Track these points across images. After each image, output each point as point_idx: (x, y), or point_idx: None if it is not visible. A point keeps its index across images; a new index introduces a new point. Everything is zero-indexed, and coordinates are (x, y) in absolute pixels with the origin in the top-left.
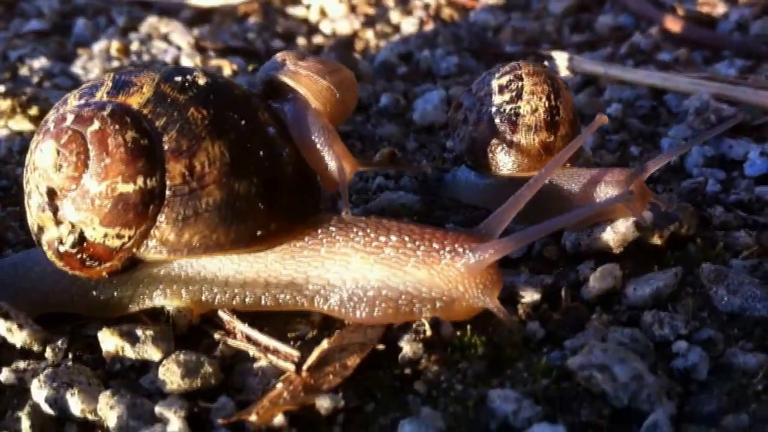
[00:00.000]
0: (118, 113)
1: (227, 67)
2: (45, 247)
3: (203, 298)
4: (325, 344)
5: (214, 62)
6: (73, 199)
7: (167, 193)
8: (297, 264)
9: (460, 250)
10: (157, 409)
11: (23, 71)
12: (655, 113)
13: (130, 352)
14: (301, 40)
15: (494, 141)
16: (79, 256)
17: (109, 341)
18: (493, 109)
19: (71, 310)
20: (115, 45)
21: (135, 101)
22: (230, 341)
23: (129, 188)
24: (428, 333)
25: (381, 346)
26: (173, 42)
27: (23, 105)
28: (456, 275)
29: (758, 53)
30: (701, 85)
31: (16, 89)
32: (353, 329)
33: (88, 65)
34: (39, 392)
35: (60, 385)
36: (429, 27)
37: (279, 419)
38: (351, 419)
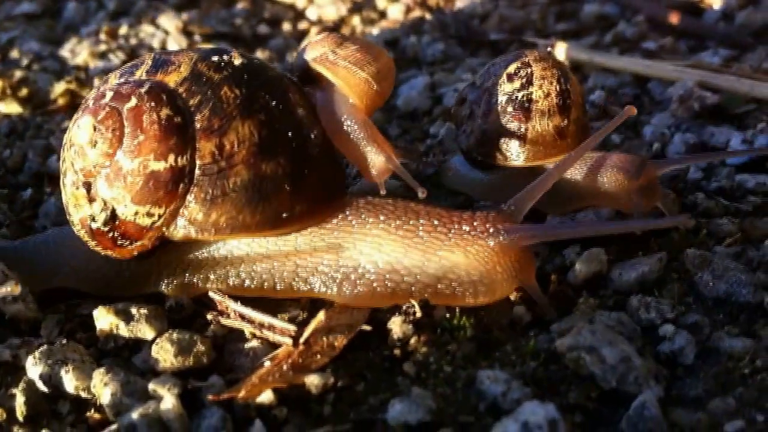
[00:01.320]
0: (155, 90)
1: None
2: (78, 226)
3: (230, 282)
4: (321, 316)
5: (201, 46)
6: (106, 175)
7: (197, 172)
8: (327, 246)
9: (492, 229)
10: (151, 387)
11: (13, 54)
12: (638, 101)
13: (124, 331)
14: (287, 26)
15: (507, 130)
16: (110, 234)
17: (104, 319)
18: (504, 98)
19: (96, 289)
20: (104, 29)
21: (172, 79)
22: (223, 320)
23: (160, 166)
24: (418, 314)
25: (368, 328)
26: (161, 26)
27: (13, 87)
28: (491, 255)
29: (742, 43)
30: (685, 73)
31: (5, 71)
32: (340, 310)
33: (77, 48)
34: (33, 369)
35: (54, 362)
36: (415, 13)
37: (269, 397)
38: (341, 398)
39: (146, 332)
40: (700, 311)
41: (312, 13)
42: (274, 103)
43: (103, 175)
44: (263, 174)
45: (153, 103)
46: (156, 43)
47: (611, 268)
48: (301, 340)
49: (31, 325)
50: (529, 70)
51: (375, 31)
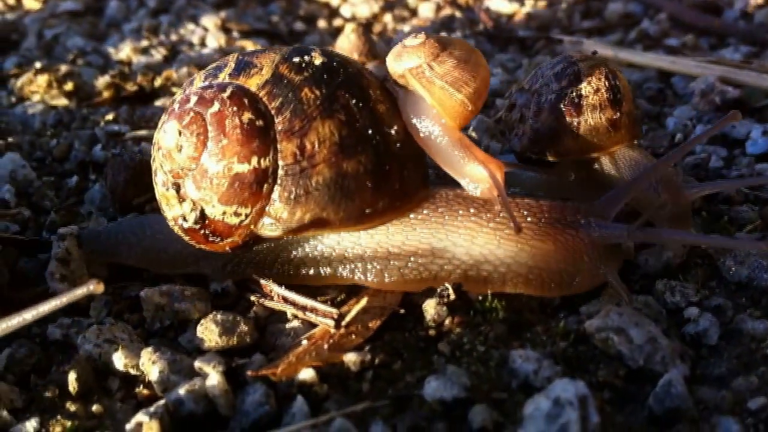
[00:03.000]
0: (237, 95)
1: (251, 48)
2: (171, 223)
3: (322, 272)
4: (364, 301)
5: (239, 43)
6: (193, 177)
7: (280, 172)
8: (420, 235)
9: (583, 221)
10: (197, 364)
11: (58, 49)
12: (662, 95)
13: (170, 312)
14: (322, 23)
15: (559, 126)
16: (202, 231)
17: (150, 301)
18: (553, 96)
19: (191, 271)
20: (145, 25)
21: (254, 83)
22: (267, 303)
23: (244, 168)
24: (452, 297)
25: (402, 311)
26: (201, 23)
27: (59, 80)
28: (580, 246)
29: (762, 40)
30: (707, 69)
31: (51, 66)
32: (374, 293)
33: (120, 44)
34: (84, 348)
35: (104, 341)
36: (446, 11)
37: (310, 375)
38: (379, 376)
39: (191, 313)
40: (723, 295)
41: (346, 11)
42: (354, 101)
43: (190, 177)
44: (345, 172)
45: (235, 108)
46: (195, 40)
47: (638, 255)
48: (344, 322)
49: (80, 306)
50: (575, 68)
51: (406, 28)
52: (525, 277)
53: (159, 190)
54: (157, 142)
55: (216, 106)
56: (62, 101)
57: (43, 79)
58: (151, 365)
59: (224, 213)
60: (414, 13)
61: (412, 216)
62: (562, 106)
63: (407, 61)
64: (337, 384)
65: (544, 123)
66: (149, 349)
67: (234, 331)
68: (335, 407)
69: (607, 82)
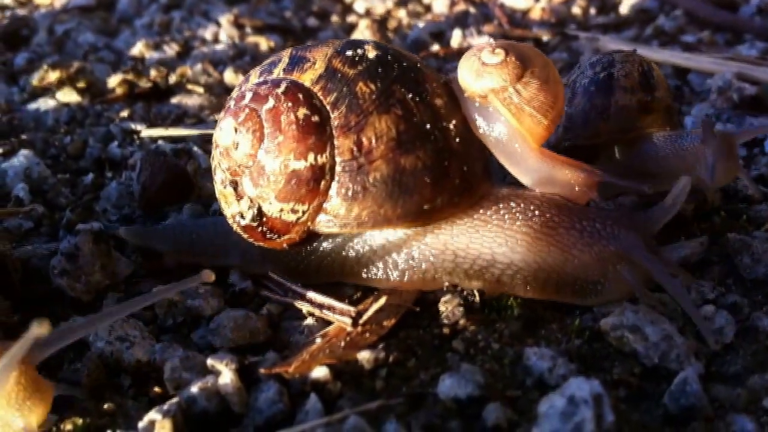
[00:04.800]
0: (292, 91)
1: (264, 44)
2: (230, 220)
3: (390, 274)
4: (382, 300)
5: (252, 39)
6: (250, 175)
7: (337, 168)
8: (482, 239)
9: (621, 236)
10: (209, 362)
11: (69, 45)
12: (679, 92)
13: (182, 309)
14: (335, 18)
15: (591, 108)
16: (259, 229)
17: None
18: (586, 81)
19: (261, 271)
20: (157, 21)
21: (308, 78)
22: (283, 299)
23: (300, 165)
24: (477, 301)
25: (417, 308)
26: (213, 19)
27: (71, 77)
28: (612, 257)
29: None
30: (724, 65)
31: (63, 62)
32: (389, 292)
33: (132, 40)
34: (96, 345)
35: (116, 338)
36: (460, 7)
37: (324, 373)
38: (393, 373)
39: (204, 310)
40: (740, 292)
41: (360, 7)
42: (410, 95)
43: (247, 175)
44: (402, 168)
45: (290, 104)
46: (209, 35)
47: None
48: (361, 320)
49: (91, 304)
50: (610, 57)
51: (421, 24)
52: (572, 287)
53: (217, 188)
54: (215, 140)
55: (271, 102)
56: (75, 98)
57: (55, 76)
58: (163, 362)
59: (281, 210)
60: (428, 8)
61: (475, 216)
62: (594, 89)
63: (489, 81)
64: (350, 382)
65: (577, 107)
66: (161, 346)
67: (247, 327)
68: (349, 405)
69: (639, 68)
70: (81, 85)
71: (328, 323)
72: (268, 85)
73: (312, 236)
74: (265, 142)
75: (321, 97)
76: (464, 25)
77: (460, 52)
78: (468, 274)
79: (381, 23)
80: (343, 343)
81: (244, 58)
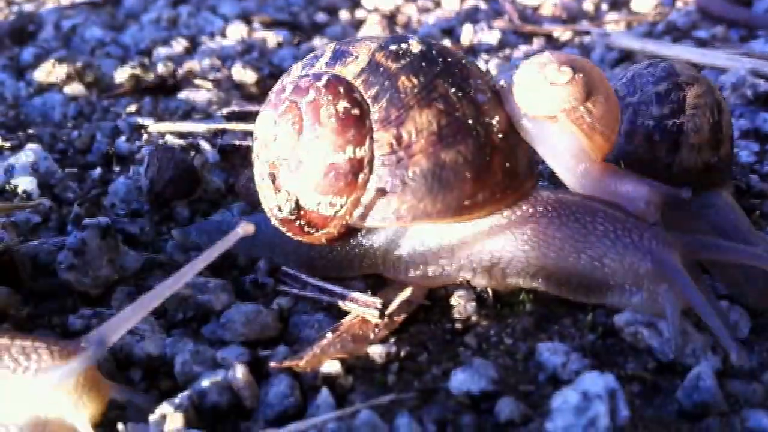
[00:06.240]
0: (333, 84)
1: (272, 39)
2: (269, 214)
3: (429, 270)
4: (408, 291)
5: (260, 34)
6: (288, 167)
7: (376, 162)
8: (517, 240)
9: (659, 252)
10: (220, 356)
11: (76, 40)
12: None
13: (192, 303)
14: (344, 14)
15: (652, 159)
16: (297, 222)
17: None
18: (651, 123)
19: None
20: (164, 16)
21: (350, 71)
22: (301, 293)
23: (339, 158)
24: (489, 296)
25: (428, 302)
26: (221, 14)
27: (79, 72)
28: (650, 274)
29: None
30: (738, 61)
31: (70, 57)
32: (400, 287)
33: (138, 35)
34: None
35: (126, 332)
36: (470, 2)
37: (335, 367)
38: (404, 368)
39: (214, 304)
40: None
41: (368, 2)
42: (453, 90)
43: (285, 167)
44: (443, 163)
45: (330, 96)
46: (216, 31)
47: None
48: (387, 312)
49: (100, 297)
50: (681, 95)
51: (431, 20)
52: (601, 291)
53: (257, 181)
54: (255, 132)
55: (311, 95)
56: (82, 92)
57: (62, 70)
58: (173, 356)
59: (319, 203)
60: (438, 4)
61: (513, 217)
62: (658, 137)
63: (560, 102)
64: (362, 376)
65: (636, 150)
66: (171, 340)
67: (257, 322)
68: (360, 399)
69: (711, 118)
70: (88, 79)
71: (339, 318)
72: (309, 78)
73: (351, 231)
74: (305, 135)
75: (362, 91)
76: (474, 20)
77: (471, 48)
78: (504, 274)
79: (390, 19)
80: (354, 338)
81: (252, 53)
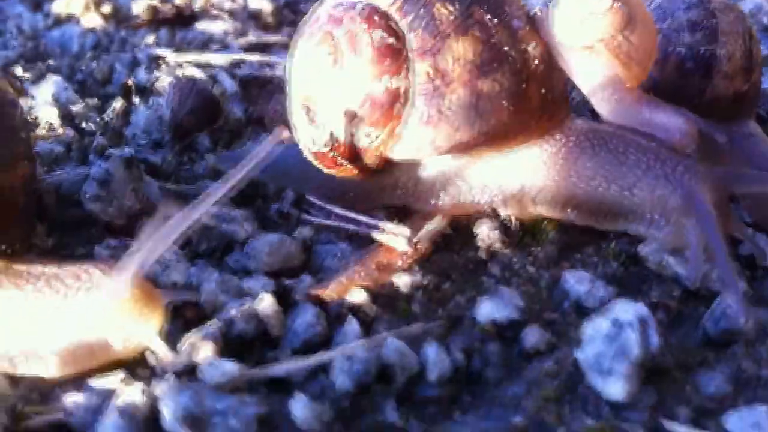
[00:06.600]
0: (368, 12)
1: None
2: (301, 146)
3: (461, 199)
4: (437, 220)
5: None
6: (323, 99)
7: (412, 92)
8: (549, 169)
9: (690, 185)
10: (246, 285)
11: None
12: None
13: (217, 233)
14: None
15: (683, 87)
16: (331, 155)
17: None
18: (683, 50)
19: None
20: None
21: (384, 0)
22: (325, 222)
23: (375, 88)
24: (514, 225)
25: (450, 231)
26: None
27: (96, 3)
28: (678, 208)
29: None
30: None
31: None
32: (424, 217)
33: None
34: None
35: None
36: None
37: (362, 296)
38: (429, 297)
39: (238, 234)
40: None
41: None
42: (489, 17)
43: (320, 99)
44: (480, 91)
45: (366, 25)
46: None
47: None
48: (415, 240)
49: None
50: (713, 22)
51: None
52: (626, 218)
53: (290, 113)
54: (288, 65)
55: (347, 24)
56: (100, 23)
57: (79, 2)
58: (198, 285)
59: (354, 134)
60: None
61: (545, 146)
62: (691, 65)
63: (598, 31)
64: (386, 305)
65: (667, 79)
66: (195, 269)
67: (281, 251)
68: (386, 328)
69: (743, 46)
70: (105, 11)
71: (362, 247)
72: (343, 6)
73: (384, 162)
74: (340, 65)
75: (397, 19)
76: None
77: None
78: (534, 202)
79: None
80: (379, 267)
81: None
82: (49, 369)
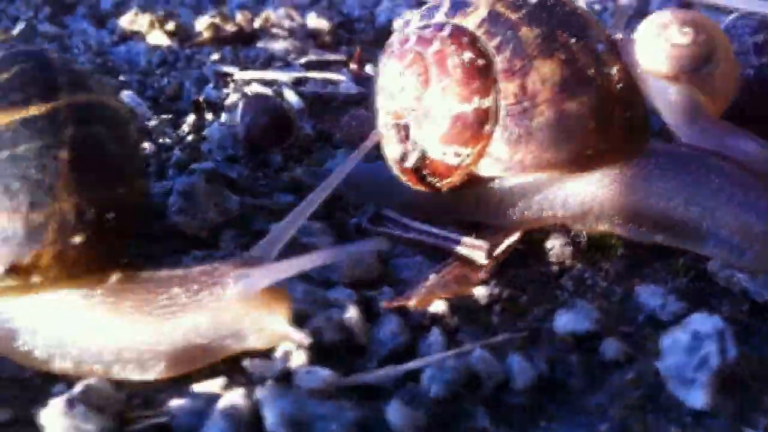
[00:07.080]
0: (456, 34)
1: None
2: (390, 162)
3: (542, 214)
4: (516, 235)
5: None
6: (415, 117)
7: (501, 112)
8: (629, 190)
9: None
10: (331, 296)
11: None
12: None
13: (298, 245)
14: None
15: (751, 106)
16: (420, 172)
17: None
18: (752, 72)
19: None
20: None
21: (471, 22)
22: (403, 235)
23: (465, 108)
24: (584, 241)
25: (521, 246)
26: None
27: (160, 21)
28: (758, 234)
29: None
30: None
31: (148, 7)
32: (498, 230)
33: None
34: None
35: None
36: None
37: (442, 307)
38: (506, 309)
39: (319, 245)
40: None
41: None
42: (573, 40)
43: (411, 118)
44: (567, 112)
45: (455, 47)
46: None
47: None
48: (495, 253)
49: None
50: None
51: None
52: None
53: (381, 131)
54: (378, 83)
55: (437, 45)
56: (165, 41)
57: (145, 19)
58: None
59: (444, 153)
60: None
61: (627, 169)
62: (758, 87)
63: (681, 63)
64: (466, 316)
65: (736, 101)
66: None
67: (361, 264)
68: (468, 339)
69: None
70: (170, 28)
71: (437, 260)
72: (431, 28)
73: (471, 179)
74: (431, 85)
75: (485, 41)
76: None
77: None
78: (611, 220)
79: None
80: (457, 280)
81: (320, 2)
82: (164, 369)
